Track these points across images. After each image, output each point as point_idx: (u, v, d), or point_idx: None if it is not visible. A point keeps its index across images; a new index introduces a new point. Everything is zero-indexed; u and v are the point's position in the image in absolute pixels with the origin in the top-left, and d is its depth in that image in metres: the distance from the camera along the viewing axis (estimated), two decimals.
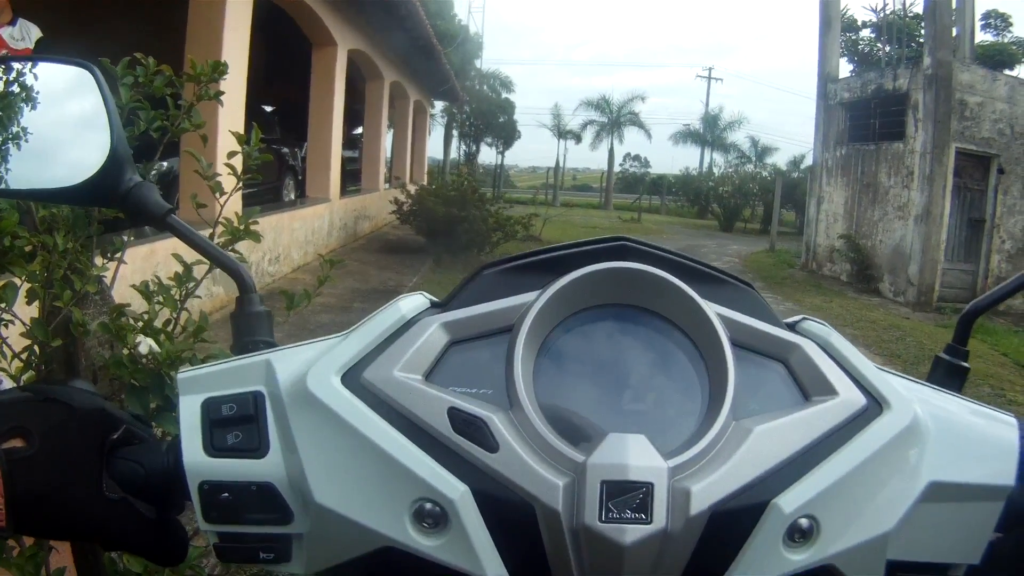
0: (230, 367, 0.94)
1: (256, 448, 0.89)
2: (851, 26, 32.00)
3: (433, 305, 0.98)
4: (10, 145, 1.16)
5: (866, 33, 33.50)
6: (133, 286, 2.27)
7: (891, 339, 13.48)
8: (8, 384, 2.05)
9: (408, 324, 0.93)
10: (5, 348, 2.09)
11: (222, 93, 2.56)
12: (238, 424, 0.89)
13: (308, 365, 0.90)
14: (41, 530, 0.90)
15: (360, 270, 14.66)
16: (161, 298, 2.27)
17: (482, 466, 0.81)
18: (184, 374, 0.93)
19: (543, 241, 22.99)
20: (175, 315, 2.30)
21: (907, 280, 18.96)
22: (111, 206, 1.15)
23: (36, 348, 2.08)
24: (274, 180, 17.37)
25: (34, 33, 7.47)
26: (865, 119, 21.69)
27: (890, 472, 0.86)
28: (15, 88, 1.18)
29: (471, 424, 0.82)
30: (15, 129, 1.17)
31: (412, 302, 0.96)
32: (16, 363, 2.13)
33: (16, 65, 1.20)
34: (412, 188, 19.93)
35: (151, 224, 1.13)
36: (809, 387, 0.90)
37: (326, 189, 17.31)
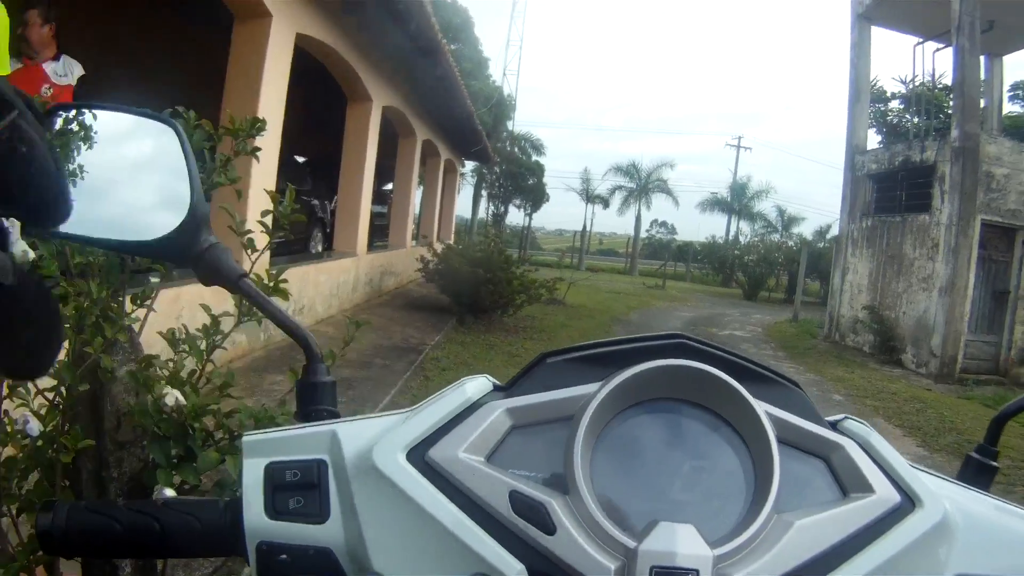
0: (295, 435, 0.98)
1: (317, 514, 0.93)
2: (880, 97, 31.93)
3: (496, 388, 1.01)
4: (90, 193, 1.19)
5: (895, 104, 33.44)
6: (160, 333, 2.31)
7: (912, 411, 13.25)
8: (35, 425, 2.08)
9: (473, 407, 0.96)
10: (30, 385, 2.13)
11: (259, 149, 2.60)
12: (300, 490, 0.93)
13: (374, 439, 0.94)
14: None
15: (383, 326, 14.65)
16: (187, 347, 2.30)
17: (539, 547, 0.85)
18: (249, 438, 0.98)
19: (567, 305, 22.98)
20: (201, 366, 2.33)
21: (930, 351, 18.80)
22: (185, 265, 1.17)
23: (63, 390, 2.11)
24: (302, 232, 17.41)
25: (77, 70, 7.53)
26: (892, 191, 21.65)
27: (920, 565, 0.90)
28: (94, 134, 1.21)
29: (531, 507, 0.86)
30: (96, 177, 1.20)
31: (477, 385, 1.00)
32: (40, 399, 2.16)
33: (102, 115, 1.23)
34: (439, 247, 19.94)
35: (223, 285, 1.17)
36: (848, 484, 0.95)
37: (354, 244, 17.32)
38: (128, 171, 1.26)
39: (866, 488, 0.93)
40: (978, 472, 1.27)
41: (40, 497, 2.09)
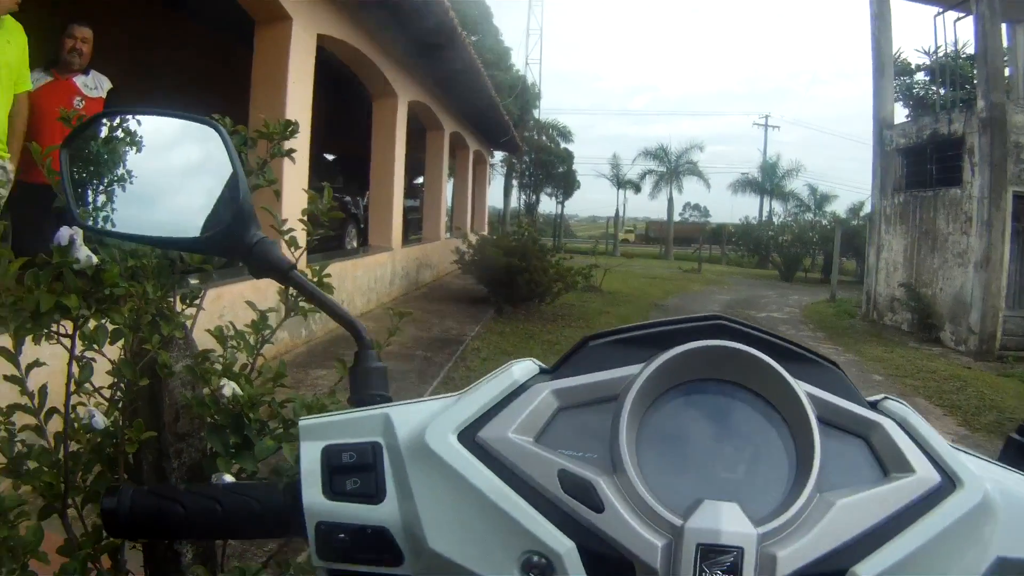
0: (350, 418, 1.04)
1: (373, 495, 0.98)
2: (905, 70, 31.24)
3: (542, 371, 1.05)
4: (143, 195, 1.29)
5: (920, 76, 32.83)
6: (208, 331, 2.39)
7: (952, 390, 13.11)
8: (100, 420, 2.18)
9: (520, 388, 1.00)
10: (94, 381, 2.22)
11: (294, 151, 2.68)
12: (356, 471, 0.98)
13: (425, 422, 0.99)
14: None
15: (422, 319, 14.60)
16: (235, 343, 2.39)
17: (588, 525, 0.88)
18: (306, 422, 1.04)
19: (603, 292, 22.93)
20: (251, 360, 2.41)
21: (968, 328, 18.51)
22: (236, 258, 1.24)
23: (122, 386, 2.20)
24: (337, 228, 17.41)
25: (105, 84, 7.62)
26: (922, 165, 21.34)
27: (961, 547, 0.92)
28: (141, 139, 1.30)
29: (579, 486, 0.89)
30: (147, 180, 1.28)
31: (524, 368, 1.03)
32: (99, 395, 2.26)
33: (148, 120, 1.31)
34: (473, 238, 19.98)
35: (273, 277, 1.24)
36: (888, 464, 0.96)
37: (388, 238, 17.42)
38: (176, 172, 1.34)
39: (906, 468, 0.94)
40: (1020, 454, 1.23)
41: (104, 487, 2.18)
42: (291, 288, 1.61)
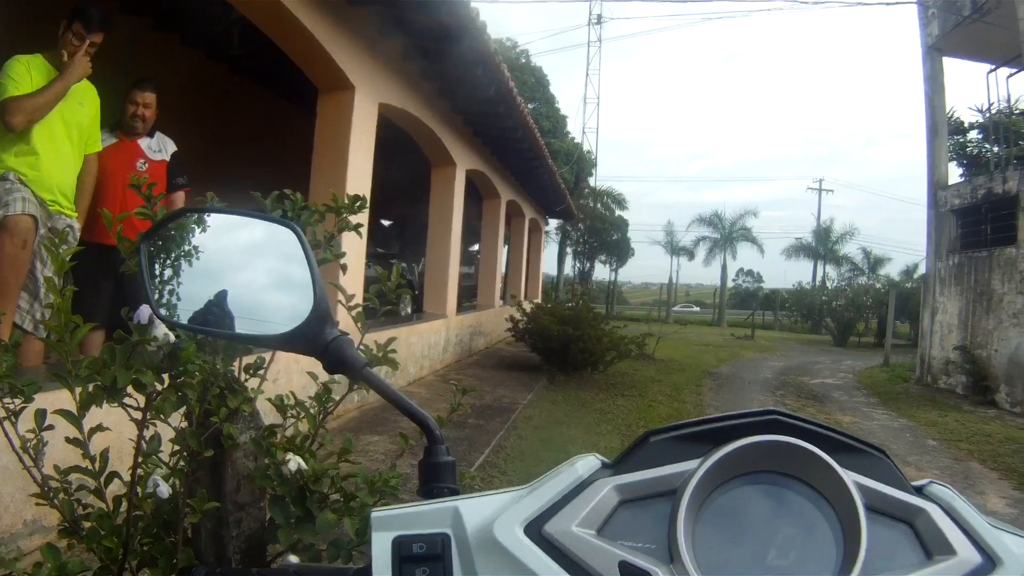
0: (420, 510, 1.07)
1: None
2: (958, 129, 30.78)
3: (604, 465, 1.09)
4: (217, 290, 1.33)
5: (973, 135, 32.38)
6: (269, 399, 2.43)
7: (1007, 453, 12.91)
8: (165, 489, 2.21)
9: (584, 484, 1.04)
10: (155, 457, 2.27)
11: (361, 225, 2.72)
12: (426, 561, 1.01)
13: (493, 515, 1.03)
14: None
15: (475, 386, 14.53)
16: (296, 412, 2.42)
17: None
18: (378, 513, 1.07)
19: (657, 360, 22.83)
20: (314, 431, 2.44)
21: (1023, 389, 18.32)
22: (312, 355, 1.29)
23: (185, 455, 2.24)
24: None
25: (169, 146, 7.69)
26: (977, 225, 21.16)
27: None
28: (222, 237, 1.35)
29: None
30: (221, 276, 1.34)
31: (586, 464, 1.08)
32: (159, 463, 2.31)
33: (227, 219, 1.37)
34: (528, 306, 20.04)
35: (347, 375, 1.31)
36: (932, 547, 0.99)
37: (443, 305, 17.47)
38: (253, 270, 1.41)
39: (948, 550, 0.97)
40: None
41: (162, 554, 2.21)
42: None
